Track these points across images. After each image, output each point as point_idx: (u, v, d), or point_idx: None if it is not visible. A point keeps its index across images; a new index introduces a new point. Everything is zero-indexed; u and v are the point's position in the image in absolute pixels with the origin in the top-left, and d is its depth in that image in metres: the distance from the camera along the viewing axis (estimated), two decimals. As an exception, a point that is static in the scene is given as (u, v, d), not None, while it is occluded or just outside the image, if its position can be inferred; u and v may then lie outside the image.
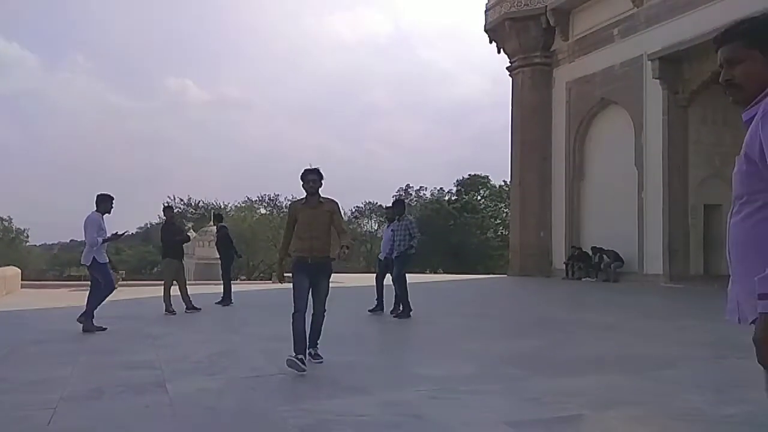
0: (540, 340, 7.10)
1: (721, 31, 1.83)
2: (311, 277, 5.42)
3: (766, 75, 1.72)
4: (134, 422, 3.82)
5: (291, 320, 5.24)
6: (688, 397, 4.26)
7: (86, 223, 7.88)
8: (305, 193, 5.56)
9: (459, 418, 3.78)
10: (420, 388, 4.60)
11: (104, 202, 8.04)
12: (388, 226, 9.70)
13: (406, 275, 9.16)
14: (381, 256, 9.72)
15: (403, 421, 3.72)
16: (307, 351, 5.26)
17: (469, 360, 5.78)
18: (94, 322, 7.74)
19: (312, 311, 5.47)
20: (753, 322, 1.63)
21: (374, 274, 10.15)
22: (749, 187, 1.68)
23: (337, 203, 5.68)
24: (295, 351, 5.12)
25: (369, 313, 9.43)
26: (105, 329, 7.69)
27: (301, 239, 5.47)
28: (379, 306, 9.45)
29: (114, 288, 8.06)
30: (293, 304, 5.31)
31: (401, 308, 9.08)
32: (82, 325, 7.69)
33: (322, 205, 5.55)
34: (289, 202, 5.92)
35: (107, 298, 8.07)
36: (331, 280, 5.62)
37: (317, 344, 5.56)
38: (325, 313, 5.57)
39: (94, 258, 7.84)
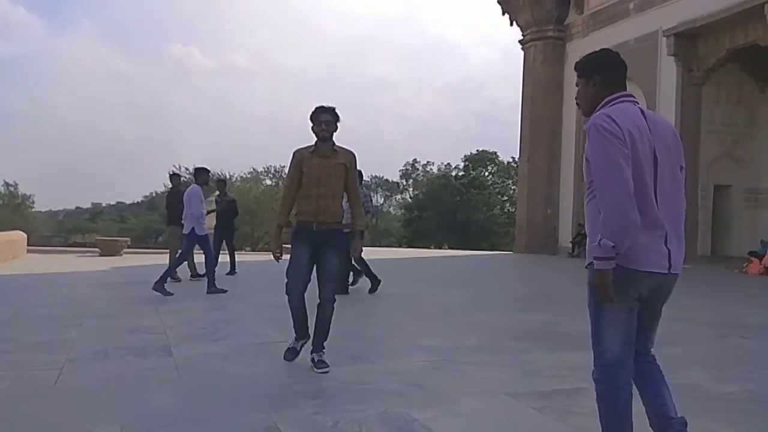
0: (543, 315, 7.12)
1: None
2: (314, 250, 4.22)
3: (590, 97, 2.41)
4: (140, 384, 3.87)
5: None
6: (690, 374, 4.27)
7: (189, 195, 8.29)
8: (315, 139, 4.28)
9: (460, 388, 3.81)
10: (422, 358, 4.64)
11: (202, 175, 8.71)
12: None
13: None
14: None
15: (405, 389, 3.75)
16: (310, 356, 4.23)
17: (472, 333, 5.81)
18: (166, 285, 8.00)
19: (318, 299, 4.26)
20: (587, 266, 2.32)
21: (377, 248, 9.71)
22: (588, 177, 2.31)
23: (355, 156, 4.34)
24: (296, 335, 4.42)
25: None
26: (225, 291, 8.13)
27: (306, 198, 4.25)
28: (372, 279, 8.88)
29: (179, 261, 8.55)
30: (285, 285, 4.28)
31: (356, 280, 8.85)
32: (207, 286, 8.19)
33: (337, 155, 4.26)
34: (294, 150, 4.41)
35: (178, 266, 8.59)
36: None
37: (323, 348, 4.23)
38: (334, 305, 4.26)
39: (193, 228, 8.17)
